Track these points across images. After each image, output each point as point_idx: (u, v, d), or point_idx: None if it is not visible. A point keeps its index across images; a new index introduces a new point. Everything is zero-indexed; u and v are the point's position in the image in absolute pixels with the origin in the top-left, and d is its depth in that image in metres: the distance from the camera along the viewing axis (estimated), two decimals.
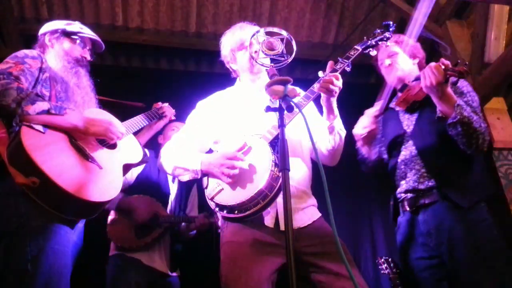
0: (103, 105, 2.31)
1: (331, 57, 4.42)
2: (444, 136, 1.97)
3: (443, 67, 1.85)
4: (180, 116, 2.76)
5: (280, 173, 1.56)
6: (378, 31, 2.10)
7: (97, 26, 4.16)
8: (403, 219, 2.13)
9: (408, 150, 2.13)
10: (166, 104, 2.74)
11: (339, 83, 1.78)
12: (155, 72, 4.53)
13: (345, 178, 3.90)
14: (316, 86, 1.80)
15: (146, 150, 2.84)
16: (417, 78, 2.17)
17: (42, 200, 1.71)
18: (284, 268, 1.75)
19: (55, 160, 1.76)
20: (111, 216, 2.78)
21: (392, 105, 2.33)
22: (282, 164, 1.28)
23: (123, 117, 2.37)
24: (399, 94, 2.24)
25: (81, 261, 2.10)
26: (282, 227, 1.72)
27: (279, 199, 1.74)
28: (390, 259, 2.87)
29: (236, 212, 1.69)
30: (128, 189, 2.84)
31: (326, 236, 1.78)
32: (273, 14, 4.36)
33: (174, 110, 2.76)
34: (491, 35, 3.26)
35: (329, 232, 1.83)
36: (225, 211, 1.72)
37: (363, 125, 2.23)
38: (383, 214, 3.89)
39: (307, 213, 1.83)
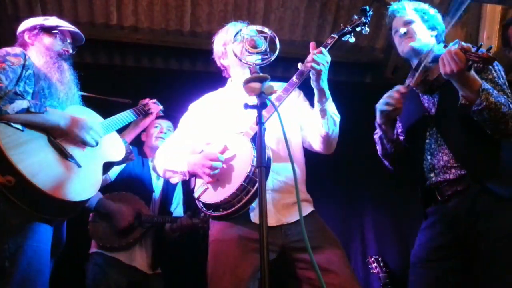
0: (89, 101, 2.32)
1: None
2: (470, 120, 1.80)
3: (464, 50, 1.66)
4: (176, 116, 2.75)
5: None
6: (355, 17, 2.04)
7: (91, 25, 4.17)
8: (433, 208, 1.98)
9: (433, 138, 1.96)
10: (153, 100, 2.72)
11: (324, 57, 1.75)
12: (149, 71, 4.54)
13: (336, 176, 3.91)
14: (295, 77, 1.80)
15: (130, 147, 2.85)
16: (435, 58, 1.93)
17: (18, 199, 1.71)
18: (272, 264, 1.75)
19: (32, 159, 1.76)
20: (92, 214, 2.77)
21: (408, 81, 2.04)
22: (259, 161, 1.29)
23: (110, 114, 2.39)
24: (415, 73, 2.00)
25: (62, 258, 2.11)
26: (269, 223, 1.72)
27: (266, 195, 1.75)
28: (380, 259, 2.89)
29: (221, 210, 1.71)
30: (110, 186, 2.83)
31: (317, 231, 1.79)
32: (267, 13, 4.36)
33: (161, 106, 2.74)
34: (483, 34, 3.26)
35: (321, 227, 1.84)
36: (211, 210, 1.75)
37: (389, 101, 1.95)
38: (374, 213, 3.89)
39: (297, 209, 1.82)
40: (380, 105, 1.98)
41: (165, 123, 3.10)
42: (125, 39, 4.30)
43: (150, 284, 2.77)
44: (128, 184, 2.85)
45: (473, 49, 1.67)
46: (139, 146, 3.08)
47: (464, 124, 1.85)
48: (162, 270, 2.89)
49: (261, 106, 1.33)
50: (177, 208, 3.09)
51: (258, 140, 1.33)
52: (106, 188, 2.82)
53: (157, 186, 2.98)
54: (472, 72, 1.73)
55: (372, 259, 2.76)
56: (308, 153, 2.05)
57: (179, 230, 2.85)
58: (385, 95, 1.97)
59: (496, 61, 1.86)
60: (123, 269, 2.65)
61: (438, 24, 2.12)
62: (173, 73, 4.55)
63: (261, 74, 1.40)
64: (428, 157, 1.96)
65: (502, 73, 1.91)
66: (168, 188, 3.02)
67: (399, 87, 1.96)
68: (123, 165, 2.81)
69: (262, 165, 1.28)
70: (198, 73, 4.54)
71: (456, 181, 1.87)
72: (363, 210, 4.03)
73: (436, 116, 1.98)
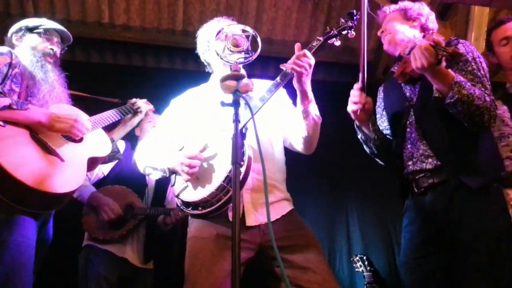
0: (77, 100, 2.32)
1: (315, 55, 4.50)
2: (448, 112, 1.82)
3: (433, 44, 1.68)
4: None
5: (242, 168, 1.59)
6: (342, 20, 2.05)
7: (83, 23, 4.19)
8: (410, 201, 2.01)
9: (413, 127, 1.98)
10: (143, 100, 2.74)
11: (308, 60, 1.75)
12: (141, 70, 4.54)
13: (321, 173, 3.92)
14: (279, 78, 1.81)
15: (123, 143, 2.87)
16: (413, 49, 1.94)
17: (1, 193, 1.72)
18: (250, 263, 1.77)
19: (14, 153, 1.77)
20: (85, 207, 2.77)
21: (390, 72, 2.11)
22: (234, 158, 1.29)
23: (99, 113, 2.39)
24: (397, 64, 2.05)
25: (56, 252, 2.12)
26: (247, 222, 1.74)
27: (246, 195, 1.76)
28: (364, 257, 2.90)
29: (200, 208, 1.71)
30: (104, 181, 2.85)
31: (295, 230, 1.80)
32: (260, 12, 4.38)
33: (151, 106, 2.76)
34: (471, 36, 3.29)
35: (299, 225, 1.85)
36: (190, 208, 1.75)
37: (352, 100, 2.02)
38: (359, 212, 3.91)
39: (276, 208, 1.83)
40: (349, 107, 2.03)
41: (158, 118, 3.11)
42: (117, 38, 4.31)
43: (140, 277, 2.78)
44: (122, 178, 2.86)
45: (442, 45, 1.68)
46: (133, 141, 3.09)
47: (442, 116, 1.86)
48: (154, 264, 2.89)
49: (236, 104, 1.33)
50: (171, 202, 3.09)
51: (234, 138, 1.33)
52: (100, 183, 2.85)
53: (151, 180, 2.98)
54: (443, 68, 1.74)
55: (357, 258, 2.78)
56: (294, 152, 2.06)
57: (172, 223, 2.86)
58: (350, 97, 2.03)
59: (478, 54, 1.92)
60: (114, 262, 2.65)
61: (420, 13, 2.13)
62: (164, 72, 4.56)
63: (237, 72, 1.40)
64: (409, 146, 1.98)
65: (484, 65, 1.91)
66: (162, 182, 3.03)
67: (356, 84, 2.02)
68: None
69: (237, 162, 1.28)
70: (189, 73, 4.54)
71: (432, 171, 1.88)
72: (349, 209, 4.05)
73: (416, 106, 2.00)
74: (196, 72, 4.57)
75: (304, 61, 1.74)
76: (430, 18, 2.14)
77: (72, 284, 2.71)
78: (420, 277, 1.88)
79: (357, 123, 2.09)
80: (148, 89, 3.83)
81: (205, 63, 2.12)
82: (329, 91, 3.91)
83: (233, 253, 1.16)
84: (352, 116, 2.05)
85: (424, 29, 2.12)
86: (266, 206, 1.23)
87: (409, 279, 1.95)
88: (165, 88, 3.98)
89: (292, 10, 4.38)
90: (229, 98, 1.38)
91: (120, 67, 4.48)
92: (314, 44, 1.93)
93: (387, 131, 2.16)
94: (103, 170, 2.87)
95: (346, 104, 2.15)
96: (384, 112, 2.20)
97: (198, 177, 1.72)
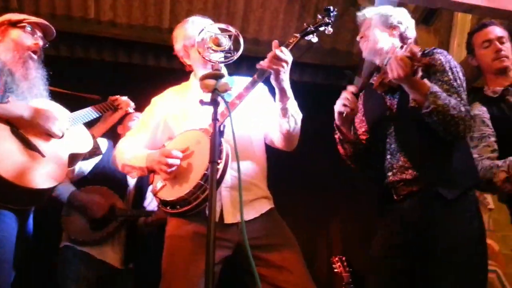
0: (57, 96, 2.30)
1: (302, 57, 4.52)
2: (425, 122, 1.84)
3: (409, 55, 1.73)
4: None
5: (220, 165, 1.59)
6: (319, 17, 2.03)
7: (68, 18, 4.13)
8: (389, 208, 2.01)
9: (393, 138, 1.99)
10: (124, 98, 2.72)
11: (285, 57, 1.75)
12: (126, 67, 4.51)
13: (303, 172, 3.94)
14: (256, 75, 1.82)
15: (106, 141, 2.85)
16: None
17: None
18: (228, 261, 1.77)
19: None
20: (65, 208, 2.74)
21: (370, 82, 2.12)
22: (212, 156, 1.30)
23: (78, 109, 2.38)
24: (376, 74, 2.07)
25: (35, 252, 2.10)
26: (226, 220, 1.75)
27: (224, 193, 1.77)
28: (344, 258, 2.94)
29: (178, 207, 1.71)
30: (84, 180, 2.82)
31: (273, 228, 1.81)
32: (247, 13, 4.38)
33: (132, 103, 2.74)
34: (454, 42, 3.34)
35: (278, 224, 1.86)
36: (168, 207, 1.75)
37: (342, 102, 2.01)
38: (340, 213, 3.94)
39: (255, 206, 1.84)
40: (337, 107, 2.02)
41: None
42: (103, 34, 4.27)
43: (120, 279, 2.77)
44: (103, 178, 2.83)
45: (418, 56, 1.73)
46: (115, 139, 3.07)
47: (419, 126, 1.89)
48: (135, 265, 2.88)
49: (215, 103, 1.34)
50: (151, 203, 3.08)
51: (212, 137, 1.34)
52: (80, 182, 2.81)
53: (132, 180, 2.96)
54: (418, 78, 1.77)
55: (336, 258, 2.82)
56: (276, 150, 2.06)
57: (154, 224, 2.85)
58: (341, 97, 2.01)
59: (455, 64, 1.96)
60: (93, 263, 2.63)
61: (400, 21, 2.13)
62: (150, 69, 4.53)
63: (217, 71, 1.41)
64: (388, 157, 2.00)
65: (460, 75, 1.95)
66: (143, 183, 3.01)
67: (350, 87, 2.01)
68: (97, 159, 2.80)
69: (215, 160, 1.29)
70: (175, 71, 4.52)
71: (412, 181, 1.91)
72: (330, 209, 4.07)
73: (395, 116, 2.02)
74: (182, 71, 4.56)
75: (280, 58, 1.73)
76: (409, 26, 2.15)
77: (51, 284, 2.69)
78: (385, 279, 1.91)
79: (338, 123, 2.09)
80: (133, 86, 3.81)
81: (184, 63, 2.12)
82: (314, 93, 3.94)
83: (207, 251, 1.16)
84: (336, 115, 2.06)
85: (403, 38, 2.12)
86: (240, 204, 1.24)
87: (374, 277, 1.98)
88: (150, 85, 3.96)
89: (279, 11, 4.39)
90: (209, 97, 1.39)
91: (105, 64, 4.44)
92: (291, 41, 1.92)
93: (364, 136, 2.18)
94: (84, 169, 2.84)
95: (331, 106, 2.18)
96: (363, 118, 2.20)
97: (176, 176, 1.72)
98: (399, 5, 2.53)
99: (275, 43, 1.82)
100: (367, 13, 2.17)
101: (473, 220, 1.86)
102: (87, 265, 2.61)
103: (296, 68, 4.11)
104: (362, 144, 2.14)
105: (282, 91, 1.81)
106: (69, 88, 2.62)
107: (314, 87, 4.57)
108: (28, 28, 2.18)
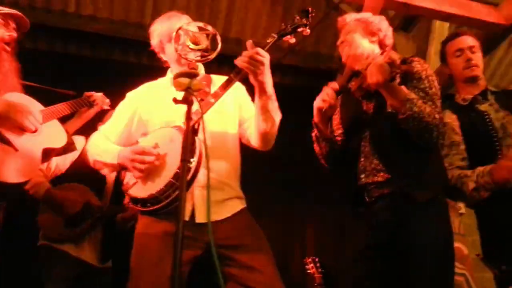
0: (32, 91, 2.27)
1: (284, 59, 4.55)
2: (399, 127, 1.91)
3: (389, 61, 1.79)
4: None
5: (193, 164, 1.59)
6: (297, 17, 2.00)
7: (48, 11, 4.06)
8: (362, 209, 2.06)
9: (367, 141, 2.04)
10: (99, 94, 2.70)
11: (261, 58, 1.73)
12: (106, 62, 4.45)
13: (279, 176, 3.96)
14: (232, 74, 1.81)
15: (82, 138, 2.81)
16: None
17: None
18: (198, 261, 1.77)
19: None
20: (41, 205, 2.71)
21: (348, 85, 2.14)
22: (183, 155, 1.30)
23: (53, 104, 2.34)
24: (355, 79, 2.09)
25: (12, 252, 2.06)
26: (197, 219, 1.74)
27: (197, 192, 1.76)
28: (317, 259, 2.97)
29: (148, 205, 1.69)
30: (61, 178, 2.78)
31: (245, 228, 1.81)
32: (230, 12, 4.38)
33: (108, 100, 2.72)
34: (432, 49, 3.40)
35: (249, 224, 1.86)
36: (139, 205, 1.73)
37: (323, 97, 2.04)
38: (315, 214, 3.97)
39: (227, 206, 1.84)
40: (316, 102, 2.05)
41: None
42: (83, 28, 4.21)
43: (98, 277, 2.73)
44: (80, 175, 2.77)
45: (397, 62, 1.78)
46: None
47: (393, 130, 1.94)
48: (113, 263, 2.84)
49: (188, 102, 1.34)
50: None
51: (184, 135, 1.34)
52: (57, 180, 2.77)
53: (110, 177, 2.93)
54: (396, 85, 1.83)
55: (309, 259, 2.85)
56: (252, 151, 2.06)
57: (131, 219, 2.82)
58: (321, 92, 2.05)
59: (431, 72, 2.02)
60: (70, 261, 2.59)
61: (379, 28, 2.17)
62: (131, 66, 4.48)
63: (192, 70, 1.40)
64: (362, 159, 2.04)
65: (436, 83, 2.01)
66: (119, 179, 2.98)
67: (332, 84, 2.05)
68: (74, 155, 2.75)
69: (186, 159, 1.29)
70: (156, 68, 4.49)
71: (383, 183, 1.95)
72: (303, 210, 4.09)
73: (371, 120, 2.07)
74: (163, 69, 4.53)
75: (256, 59, 1.72)
76: (388, 34, 2.20)
77: (29, 283, 2.64)
78: (360, 280, 1.95)
79: (316, 119, 2.11)
80: (113, 83, 3.77)
81: (161, 59, 2.10)
82: (296, 95, 3.95)
83: (175, 251, 1.16)
84: (315, 111, 2.09)
85: (382, 44, 2.17)
86: (207, 204, 1.24)
87: (351, 279, 2.02)
88: (130, 82, 3.93)
89: (262, 12, 4.40)
90: (181, 95, 1.38)
91: (84, 59, 4.38)
92: (268, 41, 1.91)
93: (339, 138, 2.20)
94: (60, 167, 2.80)
95: (311, 109, 2.20)
96: (340, 120, 2.23)
97: (148, 173, 1.70)
98: (380, 11, 2.59)
99: (249, 43, 1.81)
100: (348, 18, 2.22)
101: (442, 223, 1.92)
102: (63, 264, 2.58)
103: (278, 70, 4.12)
104: (337, 144, 2.17)
105: (261, 90, 1.79)
106: (47, 83, 2.59)
107: (295, 89, 4.59)
108: (2, 19, 2.13)
